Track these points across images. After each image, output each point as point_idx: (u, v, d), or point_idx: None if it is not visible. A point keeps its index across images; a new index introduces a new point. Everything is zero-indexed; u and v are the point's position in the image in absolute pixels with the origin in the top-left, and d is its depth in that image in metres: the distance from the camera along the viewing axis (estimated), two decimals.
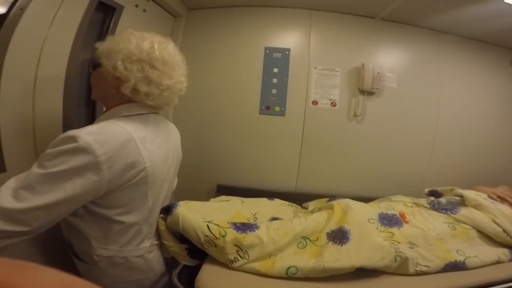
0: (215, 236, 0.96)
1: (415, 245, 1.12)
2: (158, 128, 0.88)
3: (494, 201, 1.33)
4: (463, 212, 1.27)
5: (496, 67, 1.91)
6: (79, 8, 1.05)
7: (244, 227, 1.04)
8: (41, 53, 0.93)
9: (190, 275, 0.97)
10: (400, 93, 1.80)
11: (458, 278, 1.03)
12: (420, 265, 1.05)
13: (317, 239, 1.10)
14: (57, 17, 0.96)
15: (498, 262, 1.13)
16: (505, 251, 1.17)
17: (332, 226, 1.12)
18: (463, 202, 1.37)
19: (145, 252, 0.90)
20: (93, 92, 0.88)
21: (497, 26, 1.66)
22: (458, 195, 1.41)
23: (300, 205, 1.54)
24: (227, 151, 1.80)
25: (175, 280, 0.96)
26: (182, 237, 1.02)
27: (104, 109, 0.87)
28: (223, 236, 0.96)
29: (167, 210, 0.99)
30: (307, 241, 1.10)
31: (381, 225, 1.19)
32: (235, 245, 0.98)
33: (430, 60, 1.83)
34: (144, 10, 1.44)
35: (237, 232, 1.00)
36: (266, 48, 1.73)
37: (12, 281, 0.19)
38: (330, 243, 1.05)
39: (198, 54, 1.76)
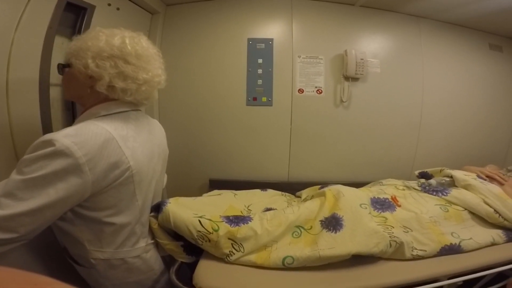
0: (207, 231, 0.93)
1: (409, 229, 1.11)
2: (140, 125, 0.84)
3: (483, 181, 1.32)
4: (454, 193, 1.26)
5: (476, 50, 1.92)
6: (47, 9, 0.98)
7: (237, 219, 1.01)
8: (9, 56, 0.87)
9: (192, 272, 0.94)
10: (384, 78, 1.78)
11: (455, 261, 1.02)
12: (416, 249, 1.04)
13: (311, 227, 1.08)
14: (24, 20, 0.89)
15: (493, 244, 1.12)
16: (499, 232, 1.16)
17: (325, 213, 1.09)
18: (453, 183, 1.36)
19: (142, 252, 0.89)
20: (66, 93, 0.84)
21: (475, 11, 1.65)
22: (447, 176, 1.40)
23: (294, 194, 1.52)
24: (217, 145, 1.75)
25: (173, 277, 0.94)
26: (176, 235, 0.99)
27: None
28: (216, 230, 0.93)
29: (157, 208, 0.95)
30: (302, 230, 1.07)
31: (373, 210, 1.17)
32: (229, 239, 0.95)
33: (411, 45, 1.82)
34: (118, 9, 1.37)
35: (230, 225, 0.97)
36: (249, 40, 1.69)
37: None
38: (324, 230, 1.03)
39: (180, 50, 1.69)
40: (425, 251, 1.03)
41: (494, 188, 1.24)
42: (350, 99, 1.75)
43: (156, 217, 0.95)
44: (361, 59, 1.68)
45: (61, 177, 0.62)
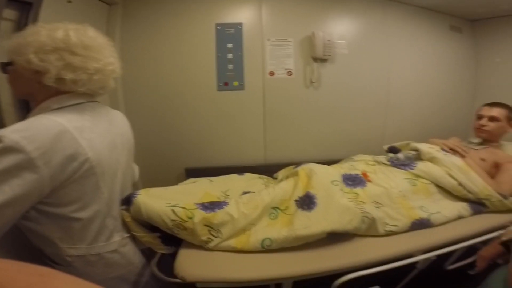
0: (182, 219, 0.90)
1: (381, 204, 1.13)
2: (97, 116, 0.80)
3: (446, 153, 1.37)
4: (420, 166, 1.30)
5: (438, 32, 1.99)
6: None
7: (212, 205, 0.99)
8: None
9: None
10: (352, 58, 1.80)
11: (427, 236, 1.06)
12: (389, 225, 1.06)
13: (287, 207, 1.08)
14: None
15: (460, 217, 1.16)
16: (465, 205, 1.20)
17: (299, 192, 1.10)
18: (419, 156, 1.40)
19: (119, 246, 0.86)
20: (15, 91, 0.80)
21: None
22: (414, 149, 1.44)
23: (272, 176, 1.52)
24: (191, 132, 1.71)
25: (155, 269, 0.92)
26: (153, 226, 0.95)
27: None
28: (191, 218, 0.91)
29: (127, 201, 0.91)
30: (278, 211, 1.07)
31: (345, 186, 1.19)
32: (206, 225, 0.93)
33: (377, 27, 1.84)
34: (69, 1, 1.25)
35: (205, 211, 0.94)
36: (217, 25, 1.63)
37: None
38: (299, 210, 1.03)
39: (145, 40, 1.59)
40: (397, 226, 1.06)
41: (457, 160, 1.30)
42: (319, 80, 1.76)
43: (128, 210, 0.90)
44: (329, 40, 1.68)
45: (15, 174, 0.59)
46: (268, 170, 1.59)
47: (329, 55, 1.71)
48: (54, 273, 0.22)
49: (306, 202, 1.05)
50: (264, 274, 0.87)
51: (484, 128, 1.46)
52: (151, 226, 0.96)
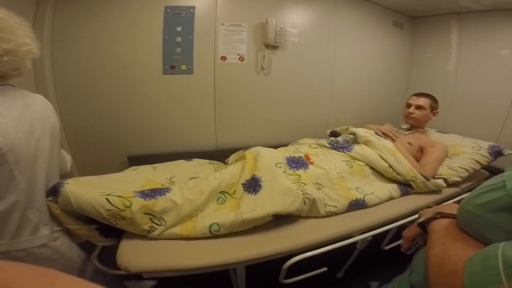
0: (118, 208, 0.84)
1: (321, 185, 1.17)
2: (9, 100, 0.72)
3: (379, 137, 1.47)
4: (356, 149, 1.37)
5: (381, 26, 2.10)
6: None
7: (153, 192, 0.94)
8: None
9: None
10: (301, 47, 1.83)
11: (363, 217, 1.12)
12: (329, 205, 1.10)
13: (235, 191, 1.07)
14: None
15: (391, 198, 1.25)
16: (395, 186, 1.30)
17: (246, 176, 1.09)
18: (356, 140, 1.49)
19: (48, 241, 0.80)
20: None
21: None
22: (352, 133, 1.53)
23: (224, 161, 1.50)
24: (134, 118, 1.58)
25: (96, 262, 0.86)
26: (90, 218, 0.88)
27: None
28: (128, 207, 0.86)
29: (54, 191, 0.82)
30: (226, 195, 1.06)
31: (289, 169, 1.21)
32: (146, 214, 0.88)
33: (327, 18, 1.88)
34: None
35: (145, 199, 0.89)
36: (166, 7, 1.51)
37: None
38: (246, 193, 1.03)
39: (83, 19, 1.41)
40: (336, 207, 1.11)
41: (388, 143, 1.41)
42: (270, 66, 1.77)
43: (56, 201, 0.82)
44: (280, 28, 1.68)
45: None
46: (220, 155, 1.57)
47: (280, 43, 1.71)
48: (59, 274, 0.22)
49: (252, 185, 1.05)
50: (214, 260, 0.86)
51: (412, 115, 1.62)
52: (88, 218, 0.88)
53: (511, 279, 0.29)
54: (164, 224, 0.91)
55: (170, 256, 0.86)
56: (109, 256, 0.90)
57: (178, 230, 0.92)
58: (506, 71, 1.74)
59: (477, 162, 1.47)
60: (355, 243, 1.04)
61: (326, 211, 1.09)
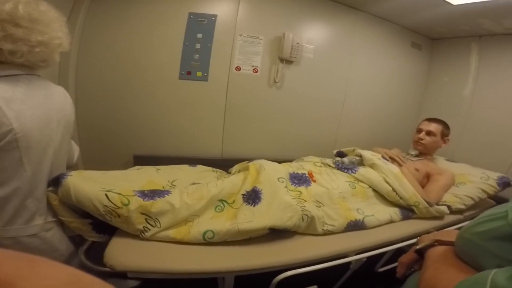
0: (116, 205, 0.84)
1: (322, 203, 1.15)
2: (33, 89, 0.75)
3: (386, 161, 1.44)
4: (361, 171, 1.35)
5: (399, 46, 2.07)
6: None
7: (153, 193, 0.93)
8: None
9: None
10: (315, 63, 1.83)
11: (361, 238, 1.10)
12: (327, 224, 1.08)
13: (234, 201, 1.06)
14: None
15: (391, 221, 1.23)
16: (396, 210, 1.27)
17: (247, 187, 1.08)
18: (362, 161, 1.46)
19: (40, 231, 0.79)
20: None
21: (403, 9, 1.74)
22: (358, 155, 1.51)
23: (227, 171, 1.48)
24: (145, 118, 1.60)
25: (82, 257, 0.85)
26: (86, 212, 0.87)
27: None
28: (126, 205, 0.85)
29: (56, 182, 0.82)
30: (225, 204, 1.05)
31: (291, 184, 1.20)
32: (142, 214, 0.88)
33: (345, 35, 1.88)
34: None
35: (144, 199, 0.89)
36: (190, 14, 1.56)
37: (21, 274, 0.19)
38: (245, 204, 1.02)
39: (111, 18, 1.47)
40: (334, 226, 1.09)
41: (394, 168, 1.38)
42: (282, 81, 1.77)
43: (56, 192, 0.82)
44: (297, 43, 1.69)
45: None
46: (224, 164, 1.55)
47: (295, 58, 1.72)
48: (42, 259, 0.22)
49: (252, 196, 1.04)
50: (203, 267, 0.84)
51: (422, 141, 1.57)
52: (83, 212, 0.88)
53: None
54: (159, 226, 0.90)
55: (159, 258, 0.84)
56: (97, 253, 0.89)
57: (171, 233, 0.91)
58: None
59: (484, 191, 1.43)
60: (349, 263, 1.01)
61: (323, 229, 1.07)
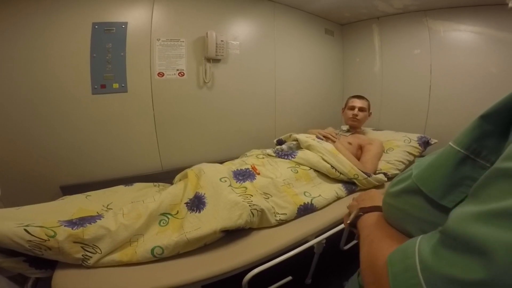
0: (41, 238, 0.82)
1: (269, 194, 1.22)
2: None
3: (320, 140, 1.60)
4: (300, 154, 1.47)
5: (316, 35, 2.36)
6: None
7: (82, 221, 0.92)
8: None
9: None
10: (243, 59, 1.94)
11: (314, 220, 1.17)
12: (279, 214, 1.15)
13: (178, 212, 1.08)
14: None
15: (338, 198, 1.33)
16: (340, 186, 1.40)
17: (189, 194, 1.11)
18: (299, 145, 1.60)
19: None
20: None
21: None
22: (294, 140, 1.65)
23: (171, 183, 1.47)
24: (64, 145, 1.49)
25: None
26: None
27: None
28: (52, 237, 0.83)
29: None
30: (169, 216, 1.06)
31: (236, 182, 1.25)
32: (76, 242, 0.86)
33: (267, 28, 2.04)
34: None
35: (72, 228, 0.87)
36: (94, 24, 1.50)
37: None
38: (189, 212, 1.04)
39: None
40: (286, 214, 1.16)
41: (328, 145, 1.54)
42: (212, 80, 1.84)
43: None
44: (222, 40, 1.77)
45: None
46: (168, 176, 1.55)
47: (222, 55, 1.80)
48: None
49: (196, 203, 1.07)
50: (161, 283, 0.85)
51: (357, 117, 1.82)
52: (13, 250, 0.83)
53: (430, 285, 0.25)
54: (100, 252, 0.89)
55: (111, 283, 0.84)
56: (46, 285, 0.86)
57: (117, 256, 0.91)
58: (421, 69, 2.05)
59: (410, 153, 1.70)
60: (312, 247, 1.07)
61: (276, 220, 1.13)
